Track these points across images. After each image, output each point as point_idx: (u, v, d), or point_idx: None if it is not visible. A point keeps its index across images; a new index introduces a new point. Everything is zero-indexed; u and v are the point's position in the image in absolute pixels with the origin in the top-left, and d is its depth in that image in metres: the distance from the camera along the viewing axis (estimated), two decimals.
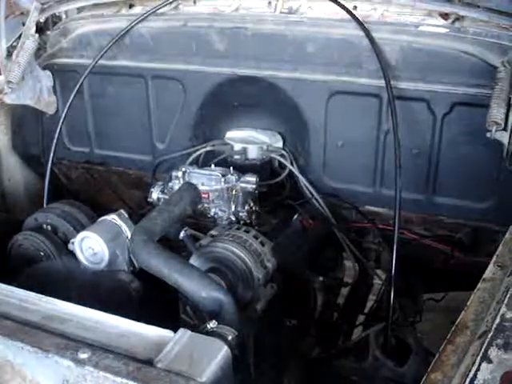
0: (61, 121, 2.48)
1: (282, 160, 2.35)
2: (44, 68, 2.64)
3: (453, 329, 1.09)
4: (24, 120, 2.84)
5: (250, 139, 2.42)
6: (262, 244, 1.80)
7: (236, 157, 2.37)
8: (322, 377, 1.78)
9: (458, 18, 2.15)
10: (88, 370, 1.10)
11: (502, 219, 2.07)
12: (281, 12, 2.31)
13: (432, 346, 2.06)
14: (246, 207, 2.06)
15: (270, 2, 2.37)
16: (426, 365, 1.90)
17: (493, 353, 0.94)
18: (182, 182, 2.14)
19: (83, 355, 1.13)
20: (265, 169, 2.36)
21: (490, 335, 0.98)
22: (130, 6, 2.65)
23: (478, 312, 1.12)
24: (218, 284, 1.48)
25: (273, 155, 2.38)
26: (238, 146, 2.39)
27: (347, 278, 2.38)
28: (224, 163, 2.30)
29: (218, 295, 1.39)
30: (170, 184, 2.16)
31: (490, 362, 0.92)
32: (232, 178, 2.11)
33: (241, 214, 2.08)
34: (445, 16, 2.20)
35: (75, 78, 2.54)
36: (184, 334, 1.24)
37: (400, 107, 2.06)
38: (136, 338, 1.25)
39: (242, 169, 2.24)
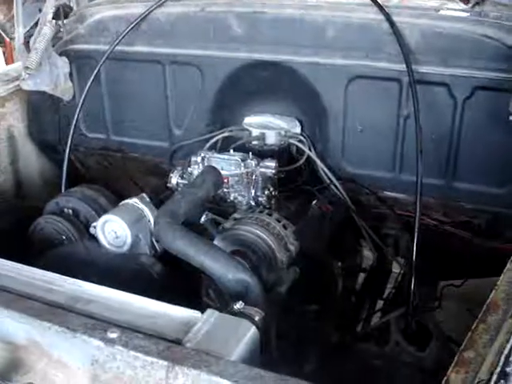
0: (78, 107, 2.48)
1: (300, 145, 2.34)
2: (60, 54, 2.64)
3: (484, 308, 1.08)
4: (40, 107, 2.85)
5: (268, 125, 2.41)
6: (285, 227, 1.80)
7: (254, 142, 2.36)
8: (343, 361, 1.78)
9: (478, 2, 2.14)
10: (118, 349, 1.11)
11: None
12: None
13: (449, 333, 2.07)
14: (266, 192, 2.05)
15: None
16: (446, 350, 1.92)
17: None
18: (201, 167, 2.13)
19: (112, 335, 1.13)
20: (283, 155, 2.35)
21: None
22: None
23: (509, 291, 1.12)
24: (244, 266, 1.49)
25: (291, 141, 2.36)
26: (256, 132, 2.37)
27: (364, 266, 2.38)
28: (242, 149, 2.30)
29: (244, 277, 1.39)
30: (190, 169, 2.16)
31: None
32: (251, 162, 2.10)
33: (260, 198, 2.08)
34: (465, 0, 2.18)
35: (92, 64, 2.54)
36: (212, 314, 1.24)
37: (420, 91, 2.04)
38: (163, 318, 1.25)
39: (260, 154, 2.23)
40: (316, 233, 2.02)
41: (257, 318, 1.25)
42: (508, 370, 0.87)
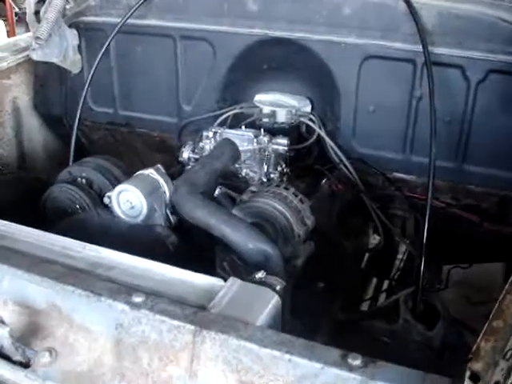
0: (88, 80, 2.46)
1: (310, 124, 2.34)
2: (70, 26, 2.61)
3: (510, 280, 1.09)
4: (46, 79, 2.82)
5: (279, 103, 2.40)
6: (302, 202, 1.80)
7: (265, 120, 2.35)
8: (352, 337, 1.80)
9: None
10: (143, 313, 1.11)
11: None
12: None
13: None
14: (278, 169, 2.06)
15: None
16: (453, 330, 1.94)
17: None
18: (213, 142, 2.13)
19: (137, 299, 1.13)
20: (293, 133, 2.35)
21: None
22: None
23: None
24: (265, 236, 1.49)
25: (302, 119, 2.36)
26: (266, 109, 2.36)
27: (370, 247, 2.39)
28: (252, 126, 2.29)
29: (264, 247, 1.40)
30: (201, 144, 2.16)
31: None
32: (264, 139, 2.10)
33: (272, 175, 2.08)
34: None
35: (101, 37, 2.52)
36: (234, 282, 1.24)
37: (434, 73, 2.04)
38: (186, 285, 1.26)
39: (271, 132, 2.24)
40: (326, 210, 2.03)
41: (278, 288, 1.26)
42: None
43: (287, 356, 1.00)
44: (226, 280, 1.24)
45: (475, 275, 2.43)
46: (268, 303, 1.20)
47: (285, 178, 2.08)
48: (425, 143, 2.10)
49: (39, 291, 1.22)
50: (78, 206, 1.83)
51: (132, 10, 2.40)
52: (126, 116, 2.74)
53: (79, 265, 1.31)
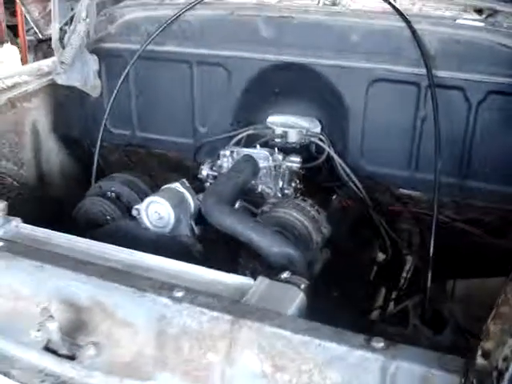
0: (110, 103, 2.61)
1: (320, 143, 2.47)
2: (91, 52, 2.76)
3: None
4: (66, 102, 2.95)
5: (290, 124, 2.54)
6: (318, 212, 1.93)
7: (277, 140, 2.48)
8: None
9: (492, 14, 2.29)
10: (185, 306, 1.22)
11: None
12: (324, 4, 2.43)
13: None
14: (293, 184, 2.18)
15: None
16: (460, 335, 2.04)
17: None
18: (230, 160, 2.27)
19: (179, 293, 1.25)
20: (304, 152, 2.48)
21: None
22: None
23: None
24: (289, 241, 1.61)
25: (312, 139, 2.49)
26: (279, 130, 2.50)
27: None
28: (265, 146, 2.43)
29: (288, 250, 1.52)
30: (219, 162, 2.29)
31: None
32: (279, 156, 2.24)
33: (286, 191, 2.21)
34: (479, 11, 2.33)
35: (121, 63, 2.67)
36: (263, 280, 1.36)
37: (437, 94, 2.18)
38: (219, 284, 1.37)
39: (283, 151, 2.37)
40: (338, 223, 2.15)
41: (303, 286, 1.37)
42: None
43: (317, 341, 1.11)
44: (255, 279, 1.35)
45: (478, 290, 2.53)
46: (295, 299, 1.32)
47: (298, 194, 2.20)
48: (429, 161, 2.24)
49: (83, 289, 1.34)
50: (108, 218, 1.95)
51: (152, 37, 2.55)
52: (143, 137, 2.87)
53: (118, 267, 1.42)
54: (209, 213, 1.67)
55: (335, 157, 2.45)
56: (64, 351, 1.31)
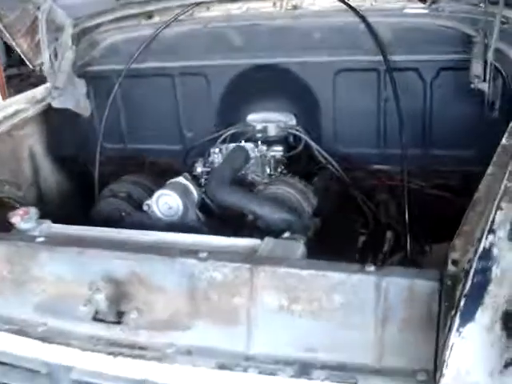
0: (103, 123, 2.87)
1: (298, 133, 2.74)
2: (78, 76, 3.01)
3: (474, 198, 1.49)
4: (60, 125, 3.18)
5: (269, 119, 2.81)
6: (306, 186, 2.21)
7: (258, 135, 2.75)
8: None
9: (434, 1, 2.59)
10: (210, 262, 1.48)
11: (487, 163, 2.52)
12: (286, 10, 2.72)
13: None
14: (279, 170, 2.45)
15: (274, 3, 2.79)
16: None
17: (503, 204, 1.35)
18: (220, 156, 2.53)
19: (203, 254, 1.50)
20: (283, 143, 2.76)
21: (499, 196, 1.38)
22: (149, 17, 3.03)
23: (487, 190, 1.53)
24: (286, 208, 1.88)
25: (290, 131, 2.77)
26: (259, 126, 2.77)
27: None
28: (250, 141, 2.70)
29: (286, 216, 1.79)
30: (210, 159, 2.55)
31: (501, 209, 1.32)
32: (263, 147, 2.51)
33: (273, 177, 2.48)
34: (423, 0, 2.63)
35: (107, 83, 2.93)
36: (269, 239, 1.63)
37: (395, 77, 2.49)
38: (232, 246, 1.64)
39: (266, 144, 2.65)
40: (323, 198, 2.42)
41: (302, 242, 1.65)
42: (495, 227, 1.28)
43: (321, 272, 1.38)
44: (262, 239, 1.62)
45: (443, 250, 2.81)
46: (297, 250, 1.59)
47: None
48: (395, 136, 2.54)
49: (121, 265, 1.58)
50: (123, 214, 2.20)
51: (134, 57, 2.81)
52: (135, 149, 3.12)
53: (146, 243, 1.68)
54: (214, 193, 1.93)
55: (312, 143, 2.72)
56: (111, 318, 1.56)
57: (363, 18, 2.50)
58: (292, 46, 2.64)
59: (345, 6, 2.58)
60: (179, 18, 2.81)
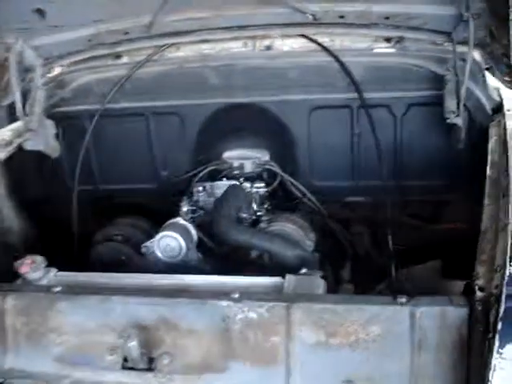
0: (79, 164, 2.83)
1: (273, 169, 2.82)
2: (48, 117, 2.95)
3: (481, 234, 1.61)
4: (23, 168, 3.09)
5: (244, 156, 2.87)
6: (305, 222, 2.28)
7: (235, 172, 2.81)
8: None
9: (399, 41, 2.77)
10: (244, 303, 1.51)
11: (457, 191, 2.70)
12: (260, 50, 2.82)
13: None
14: (265, 206, 2.52)
15: (245, 43, 2.88)
16: None
17: None
18: (205, 194, 2.57)
19: (236, 295, 1.53)
20: (260, 180, 2.82)
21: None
22: (117, 57, 3.03)
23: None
24: (298, 244, 1.94)
25: (265, 167, 2.84)
26: (236, 163, 2.83)
27: None
28: (226, 178, 2.75)
29: (300, 252, 1.85)
30: (195, 198, 2.58)
31: None
32: (247, 185, 2.57)
33: (259, 213, 2.53)
34: (388, 40, 2.80)
35: (78, 124, 2.90)
36: (290, 277, 1.68)
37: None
38: (256, 285, 1.67)
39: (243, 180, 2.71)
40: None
41: (321, 275, 1.71)
42: None
43: (356, 306, 1.45)
44: (284, 277, 1.67)
45: (417, 273, 2.97)
46: (320, 285, 1.65)
47: (271, 214, 2.53)
48: (368, 170, 2.67)
49: (149, 310, 1.58)
50: (123, 258, 2.18)
51: (107, 98, 2.80)
52: (107, 189, 3.08)
53: (168, 287, 1.68)
54: (224, 232, 1.96)
55: (288, 178, 2.81)
56: (142, 365, 1.55)
57: (337, 58, 2.62)
58: (268, 86, 2.72)
59: (316, 47, 2.71)
60: (152, 58, 2.85)
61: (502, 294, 1.32)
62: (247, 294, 1.54)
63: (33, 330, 1.63)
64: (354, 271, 2.77)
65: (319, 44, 2.66)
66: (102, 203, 3.13)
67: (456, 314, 1.41)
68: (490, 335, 1.30)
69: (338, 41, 2.80)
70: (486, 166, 2.14)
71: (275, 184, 2.80)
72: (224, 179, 2.68)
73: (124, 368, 1.54)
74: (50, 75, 2.94)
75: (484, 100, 2.50)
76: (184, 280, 1.74)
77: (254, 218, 2.52)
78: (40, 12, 2.62)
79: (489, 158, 2.11)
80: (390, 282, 2.43)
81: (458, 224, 2.75)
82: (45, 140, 2.91)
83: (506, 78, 2.29)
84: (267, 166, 2.84)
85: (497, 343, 1.28)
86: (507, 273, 1.36)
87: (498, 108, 2.51)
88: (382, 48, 2.73)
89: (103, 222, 3.11)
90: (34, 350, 1.63)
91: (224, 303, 1.52)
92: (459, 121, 2.36)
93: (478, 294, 1.40)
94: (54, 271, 1.84)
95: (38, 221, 3.20)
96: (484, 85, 2.55)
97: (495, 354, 1.27)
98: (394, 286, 2.43)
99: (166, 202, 2.87)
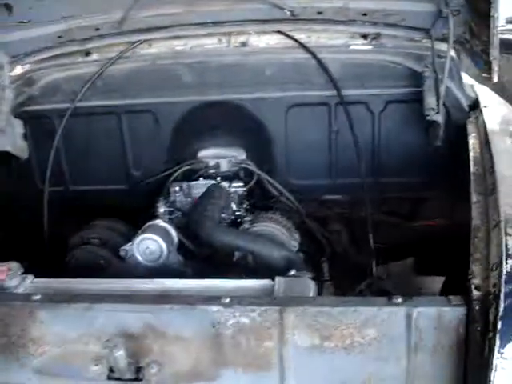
0: (49, 165, 2.73)
1: (250, 168, 2.77)
2: (15, 116, 2.83)
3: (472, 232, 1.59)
4: None
5: (220, 155, 2.82)
6: (288, 220, 2.24)
7: (211, 171, 2.75)
8: None
9: (375, 38, 2.75)
10: (236, 307, 1.46)
11: (434, 188, 2.70)
12: (235, 46, 2.76)
13: None
14: (244, 206, 2.47)
15: (220, 40, 2.82)
16: None
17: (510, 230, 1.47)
18: (182, 195, 2.50)
19: (226, 300, 1.48)
20: (236, 179, 2.77)
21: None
22: (87, 54, 2.94)
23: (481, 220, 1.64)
24: (284, 245, 1.89)
25: (242, 165, 2.79)
26: (212, 162, 2.77)
27: None
28: (202, 178, 2.69)
29: (286, 253, 1.80)
30: (172, 198, 2.51)
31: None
32: (225, 184, 2.51)
33: (238, 213, 2.48)
34: (364, 36, 2.79)
35: (47, 123, 2.80)
36: (280, 279, 1.64)
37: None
38: (245, 288, 1.62)
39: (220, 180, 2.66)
40: None
41: (310, 277, 1.67)
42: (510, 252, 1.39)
43: (351, 308, 1.41)
44: (273, 279, 1.63)
45: (394, 271, 2.97)
46: (310, 287, 1.61)
47: (249, 213, 2.48)
48: (345, 167, 2.65)
49: (134, 317, 1.52)
50: (102, 262, 2.10)
51: (78, 97, 2.71)
52: (78, 190, 2.98)
53: (154, 293, 1.62)
54: (209, 234, 1.90)
55: (265, 177, 2.76)
56: (129, 375, 1.48)
57: (314, 55, 2.59)
58: (243, 83, 2.67)
59: (293, 43, 2.67)
60: (124, 55, 2.76)
61: (501, 293, 1.31)
62: (238, 299, 1.48)
63: (10, 341, 1.54)
64: (332, 269, 2.75)
65: (296, 40, 2.62)
66: (72, 205, 3.03)
67: (453, 314, 1.39)
68: (490, 335, 1.28)
69: (315, 37, 2.78)
70: (463, 162, 2.15)
71: (252, 183, 2.76)
72: (201, 179, 2.61)
73: (110, 379, 1.48)
74: (17, 73, 2.84)
75: (460, 96, 2.52)
76: (168, 284, 1.68)
77: (232, 218, 2.47)
78: (7, 7, 2.51)
79: (471, 154, 2.11)
80: (370, 281, 2.41)
81: (435, 221, 2.77)
82: (12, 140, 2.81)
83: (485, 75, 2.28)
84: (244, 165, 2.79)
85: (497, 343, 1.26)
86: (504, 271, 1.35)
87: (475, 104, 2.54)
88: (359, 45, 2.72)
89: (77, 224, 3.04)
90: (12, 361, 1.54)
91: (214, 308, 1.47)
92: (439, 118, 2.35)
93: (475, 293, 1.38)
94: (30, 278, 1.75)
95: (7, 223, 3.11)
96: (460, 82, 2.56)
97: (496, 354, 1.26)
98: (374, 285, 2.41)
99: (138, 203, 2.80)
